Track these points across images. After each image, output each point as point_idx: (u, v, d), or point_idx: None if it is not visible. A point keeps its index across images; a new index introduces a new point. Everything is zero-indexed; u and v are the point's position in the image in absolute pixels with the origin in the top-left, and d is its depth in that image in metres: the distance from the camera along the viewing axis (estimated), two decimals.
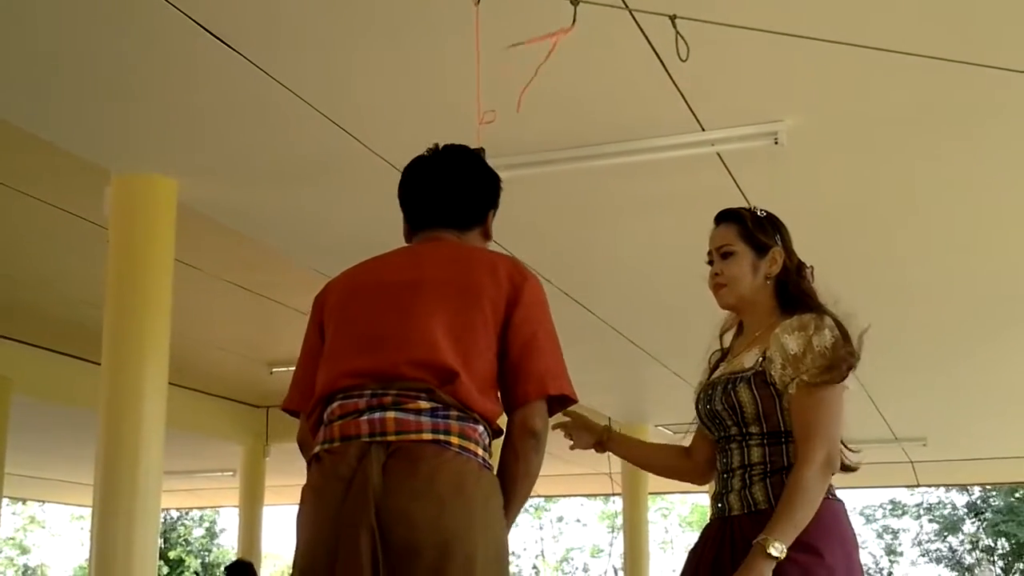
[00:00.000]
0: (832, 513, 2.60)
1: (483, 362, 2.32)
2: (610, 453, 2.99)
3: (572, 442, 2.97)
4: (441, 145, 2.59)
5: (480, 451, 2.30)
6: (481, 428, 2.31)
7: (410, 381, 2.27)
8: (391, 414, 2.24)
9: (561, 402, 2.42)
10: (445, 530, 2.15)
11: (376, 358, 2.31)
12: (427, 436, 2.23)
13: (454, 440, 2.25)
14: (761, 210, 2.83)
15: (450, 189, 2.53)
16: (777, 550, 2.42)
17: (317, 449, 2.31)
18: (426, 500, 2.16)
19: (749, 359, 2.68)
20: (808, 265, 2.81)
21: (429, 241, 2.51)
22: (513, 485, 2.35)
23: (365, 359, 2.32)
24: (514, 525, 2.45)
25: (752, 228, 2.77)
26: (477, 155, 2.59)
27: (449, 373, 2.28)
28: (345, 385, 2.31)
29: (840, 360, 2.56)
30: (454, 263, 2.42)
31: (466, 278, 2.37)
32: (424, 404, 2.25)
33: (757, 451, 2.64)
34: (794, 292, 2.72)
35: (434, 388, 2.26)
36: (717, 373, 2.79)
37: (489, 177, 2.57)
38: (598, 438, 2.96)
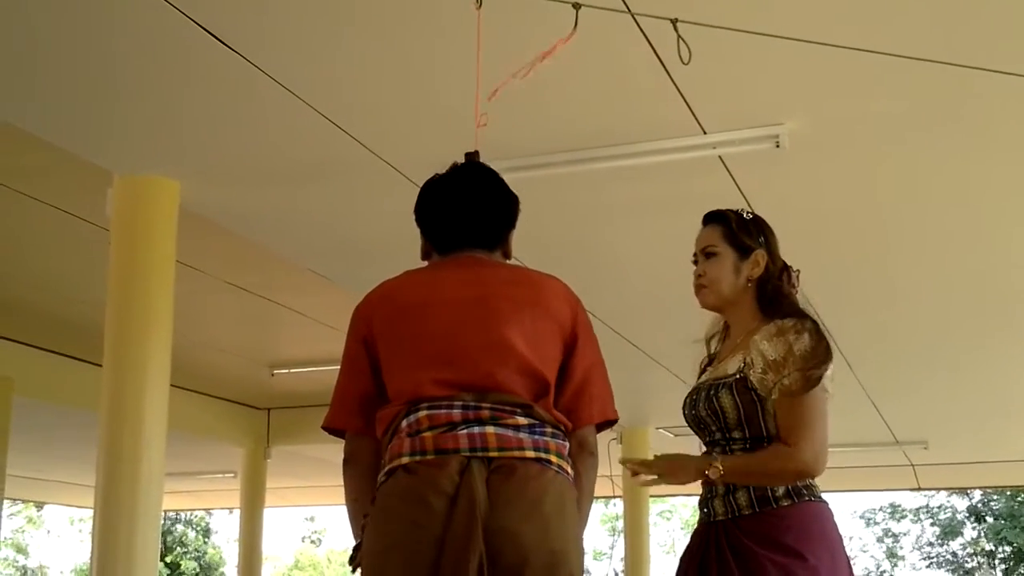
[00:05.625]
0: (813, 515, 2.61)
1: (552, 373, 2.36)
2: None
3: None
4: (460, 163, 2.57)
5: (570, 468, 2.34)
6: (568, 444, 2.35)
7: (506, 394, 2.28)
8: (491, 429, 2.25)
9: (606, 425, 2.47)
10: (552, 552, 2.18)
11: (463, 369, 2.30)
12: (529, 454, 2.25)
13: (553, 459, 2.28)
14: (748, 212, 2.85)
15: (482, 211, 2.51)
16: (715, 473, 2.56)
17: (405, 460, 2.25)
18: (535, 521, 2.19)
19: (732, 365, 2.70)
20: (795, 269, 2.81)
21: (473, 261, 2.48)
22: (579, 504, 2.37)
23: (450, 370, 2.30)
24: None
25: (736, 230, 2.79)
26: (498, 175, 2.57)
27: (543, 383, 2.31)
28: (432, 394, 2.28)
29: (818, 363, 2.58)
30: (519, 284, 2.44)
31: (534, 296, 2.40)
32: (522, 420, 2.27)
33: None
34: (772, 295, 2.73)
35: (531, 404, 2.28)
36: (703, 378, 2.81)
37: (512, 198, 2.57)
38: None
